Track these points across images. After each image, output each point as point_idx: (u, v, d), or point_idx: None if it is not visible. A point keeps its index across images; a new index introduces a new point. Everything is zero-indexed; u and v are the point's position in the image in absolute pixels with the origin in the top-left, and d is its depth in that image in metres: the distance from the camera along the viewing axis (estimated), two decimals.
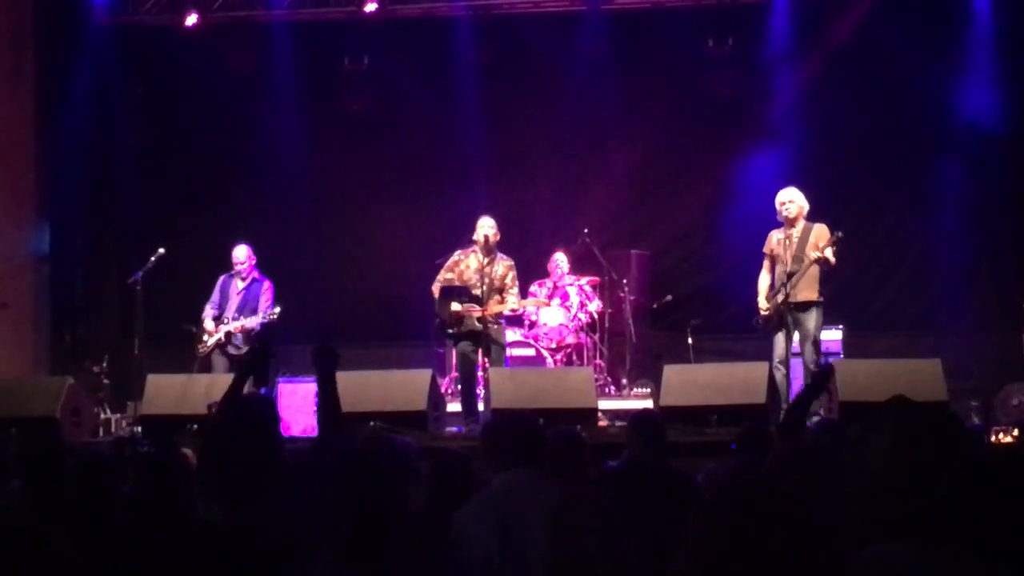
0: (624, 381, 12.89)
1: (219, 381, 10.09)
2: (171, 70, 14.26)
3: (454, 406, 11.33)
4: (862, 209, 13.59)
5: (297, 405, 10.94)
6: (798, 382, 10.65)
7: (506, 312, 11.13)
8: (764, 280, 10.79)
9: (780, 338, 10.57)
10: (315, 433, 5.12)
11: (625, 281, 13.06)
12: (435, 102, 14.20)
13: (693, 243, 14.30)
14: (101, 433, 11.52)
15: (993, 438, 9.37)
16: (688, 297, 13.78)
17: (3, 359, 12.88)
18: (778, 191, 10.86)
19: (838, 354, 11.82)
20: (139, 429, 10.83)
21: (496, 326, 11.07)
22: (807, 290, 10.48)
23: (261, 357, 4.68)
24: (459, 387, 11.31)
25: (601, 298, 13.09)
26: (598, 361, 12.88)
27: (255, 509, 3.34)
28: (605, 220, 14.07)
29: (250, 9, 14.25)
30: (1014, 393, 11.41)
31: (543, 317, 12.65)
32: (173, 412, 10.22)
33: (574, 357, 12.73)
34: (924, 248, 13.51)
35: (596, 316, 12.96)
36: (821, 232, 10.56)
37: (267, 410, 3.85)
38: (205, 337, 11.58)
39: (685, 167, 14.17)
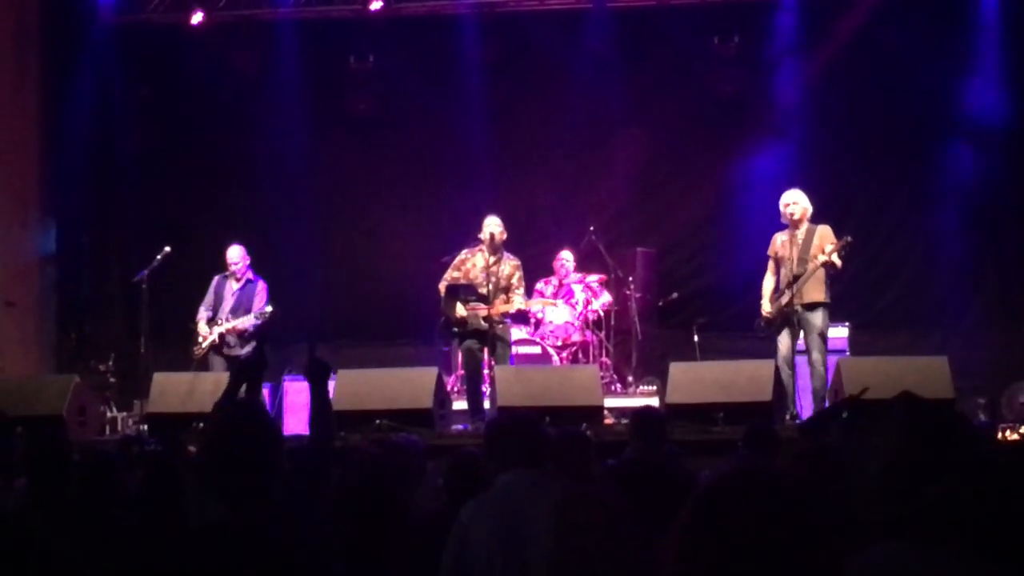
0: (630, 379, 12.88)
1: (225, 379, 10.08)
2: (176, 69, 14.26)
3: (460, 404, 11.33)
4: (867, 207, 13.57)
5: (302, 403, 10.94)
6: (804, 381, 10.64)
7: (512, 311, 11.14)
8: (768, 283, 10.77)
9: (785, 337, 10.56)
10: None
11: (631, 279, 13.05)
12: (440, 100, 14.19)
13: (699, 241, 14.28)
14: (107, 431, 11.55)
15: (1000, 435, 9.36)
16: (694, 295, 13.77)
17: (9, 358, 12.90)
18: (783, 188, 10.85)
19: (844, 351, 11.80)
20: (145, 427, 10.85)
21: (502, 325, 11.07)
22: (814, 291, 10.47)
23: (256, 365, 4.69)
24: (465, 385, 11.31)
25: (608, 292, 13.08)
26: (604, 359, 12.87)
27: (253, 509, 3.33)
28: (611, 218, 14.05)
29: (255, 8, 14.26)
30: (1020, 391, 11.40)
31: (549, 315, 12.65)
32: (179, 410, 10.22)
33: (580, 355, 12.72)
34: (929, 246, 13.48)
35: (602, 314, 12.95)
36: (825, 234, 10.54)
37: (263, 414, 3.85)
38: (200, 340, 11.55)
39: (690, 165, 14.15)
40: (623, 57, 13.86)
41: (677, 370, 10.48)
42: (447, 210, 13.64)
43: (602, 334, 12.98)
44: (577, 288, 12.90)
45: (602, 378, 11.52)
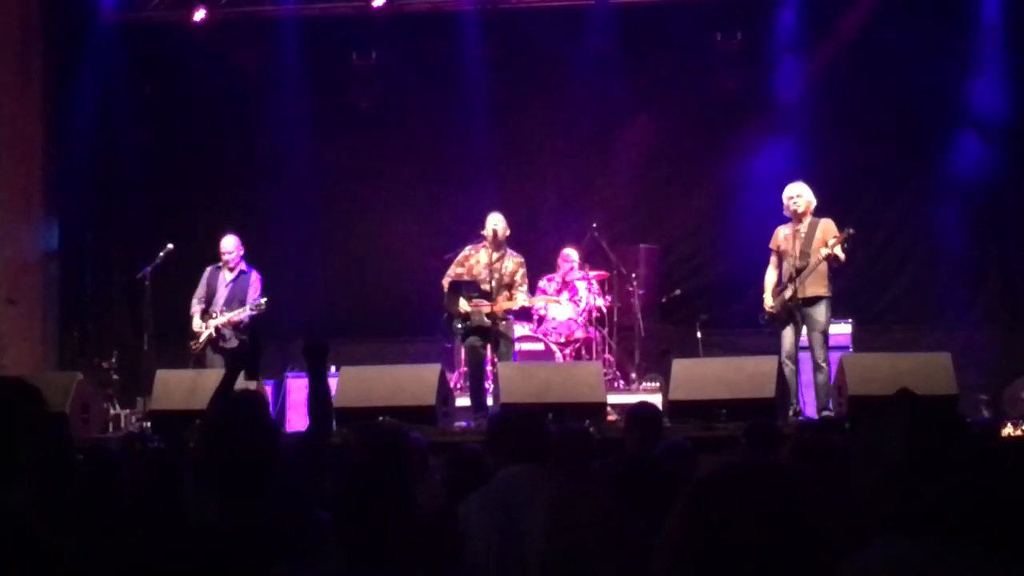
0: (633, 375, 12.89)
1: None
2: (178, 67, 14.25)
3: (463, 400, 11.33)
4: (870, 203, 13.57)
5: (305, 400, 10.92)
6: (806, 376, 10.64)
7: (515, 308, 11.14)
8: (771, 277, 10.78)
9: (788, 333, 10.56)
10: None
11: (634, 276, 13.06)
12: (443, 97, 14.19)
13: (702, 237, 14.29)
14: (110, 429, 11.55)
15: (1003, 432, 9.36)
16: (697, 291, 13.78)
17: (13, 355, 12.90)
18: (786, 185, 10.85)
19: (847, 348, 11.80)
20: (148, 425, 10.85)
21: (505, 322, 11.09)
22: (816, 285, 10.47)
23: (250, 350, 4.67)
24: (468, 382, 11.32)
25: (610, 293, 13.09)
26: (607, 355, 12.87)
27: (250, 507, 3.33)
28: (614, 214, 14.06)
29: (257, 4, 14.26)
30: (1023, 387, 11.40)
31: (552, 311, 12.65)
32: (182, 408, 10.20)
33: (583, 351, 12.72)
34: (932, 243, 13.48)
35: (605, 310, 12.96)
36: (828, 227, 10.54)
37: (259, 407, 3.85)
38: (196, 334, 11.54)
39: (693, 161, 14.15)
40: (625, 54, 13.86)
41: (680, 367, 10.47)
42: (450, 207, 13.65)
43: (605, 330, 12.99)
44: (580, 285, 12.90)
45: (605, 375, 11.51)
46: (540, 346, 12.54)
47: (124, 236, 14.61)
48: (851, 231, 10.45)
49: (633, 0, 14.08)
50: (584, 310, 12.76)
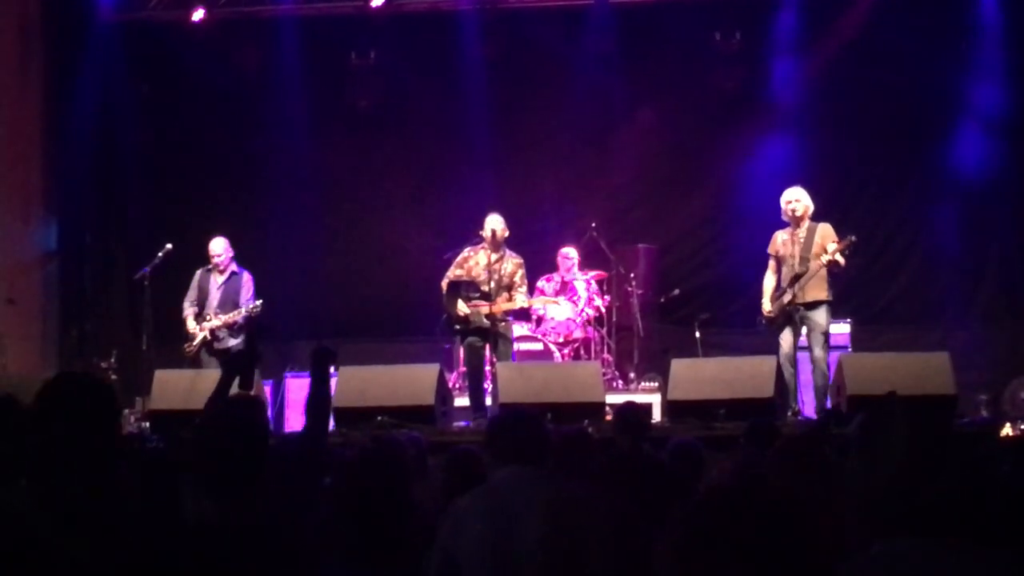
0: (632, 375, 12.88)
1: None
2: (177, 66, 14.25)
3: (462, 401, 11.34)
4: (869, 203, 13.57)
5: (304, 400, 10.92)
6: (805, 377, 10.65)
7: (515, 309, 11.15)
8: (769, 281, 10.77)
9: (787, 335, 10.56)
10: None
11: (633, 275, 13.06)
12: (442, 97, 14.19)
13: (701, 237, 14.29)
14: None
15: (1002, 432, 9.37)
16: (696, 291, 13.78)
17: (12, 354, 12.89)
18: (785, 184, 10.85)
19: (846, 348, 11.80)
20: (147, 425, 10.85)
21: (504, 323, 11.09)
22: (816, 289, 10.46)
23: (247, 361, 4.67)
24: (467, 381, 11.32)
25: (608, 292, 13.08)
26: (606, 355, 12.87)
27: (245, 507, 3.33)
28: (613, 214, 14.05)
29: (256, 4, 14.26)
30: (1022, 387, 11.40)
31: (550, 311, 12.65)
32: (181, 407, 10.19)
33: (582, 351, 12.72)
34: (931, 242, 13.47)
35: (603, 310, 12.95)
36: (826, 232, 10.53)
37: (256, 409, 3.85)
38: (191, 337, 11.53)
39: (693, 161, 14.15)
40: (624, 54, 13.85)
41: (679, 366, 10.48)
42: (449, 207, 13.63)
43: (604, 331, 12.99)
44: (579, 285, 12.90)
45: (604, 375, 11.52)
46: (539, 346, 12.54)
47: (123, 236, 14.61)
48: (853, 238, 10.44)
49: (632, 0, 14.08)
50: (583, 310, 12.76)
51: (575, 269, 12.95)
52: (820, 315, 10.46)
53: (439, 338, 12.27)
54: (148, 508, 2.97)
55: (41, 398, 3.21)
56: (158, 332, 12.01)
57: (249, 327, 11.08)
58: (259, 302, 11.37)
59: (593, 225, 13.06)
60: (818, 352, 10.42)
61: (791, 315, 10.51)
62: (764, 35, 13.66)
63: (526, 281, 11.30)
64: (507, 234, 11.16)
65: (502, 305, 10.94)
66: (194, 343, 11.46)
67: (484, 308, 10.89)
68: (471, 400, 11.01)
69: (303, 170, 14.26)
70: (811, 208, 10.66)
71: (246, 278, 11.63)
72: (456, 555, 4.03)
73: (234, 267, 11.67)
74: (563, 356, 12.48)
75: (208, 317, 11.46)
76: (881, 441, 2.38)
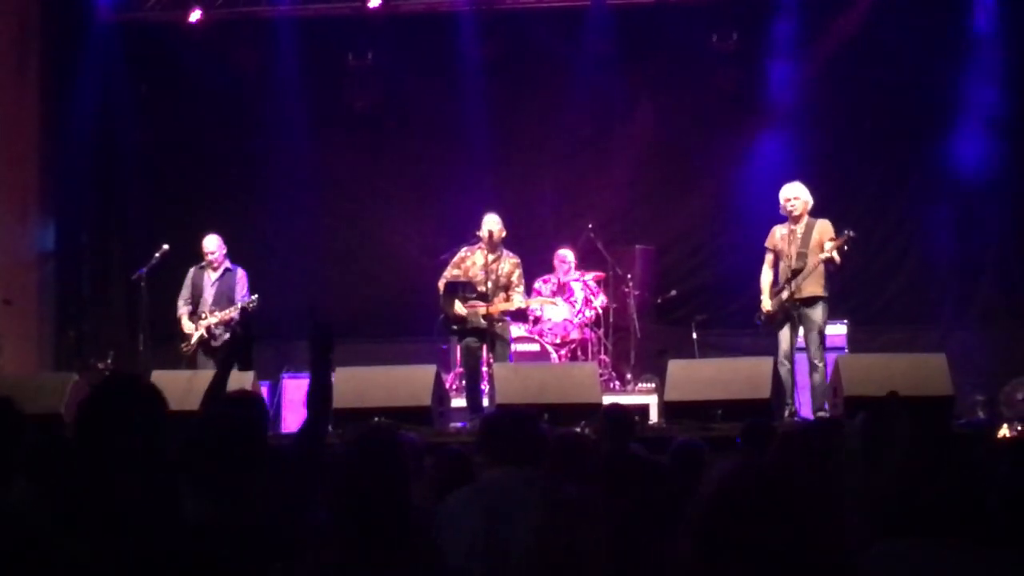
0: (628, 376, 12.87)
1: None
2: (175, 67, 14.24)
3: (459, 401, 11.34)
4: (867, 203, 13.56)
5: (302, 400, 10.90)
6: (803, 376, 10.65)
7: (512, 310, 11.15)
8: (767, 276, 10.78)
9: (785, 333, 10.57)
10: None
11: (629, 276, 13.05)
12: (439, 98, 14.19)
13: (698, 238, 14.29)
14: None
15: (999, 433, 9.37)
16: (693, 292, 13.78)
17: (8, 355, 12.88)
18: (782, 185, 10.86)
19: (843, 349, 11.81)
20: None
21: (501, 323, 11.09)
22: (813, 286, 10.48)
23: (243, 340, 4.59)
24: (464, 382, 11.32)
25: (605, 293, 13.08)
26: (602, 356, 12.87)
27: (245, 507, 3.33)
28: (610, 215, 14.04)
29: (253, 5, 14.25)
30: (1019, 388, 11.40)
31: (547, 312, 12.65)
32: (178, 408, 10.09)
33: (579, 352, 12.72)
34: (929, 242, 13.47)
35: (600, 311, 12.95)
36: (825, 228, 10.54)
37: (254, 407, 3.81)
38: (187, 336, 11.50)
39: (690, 162, 14.15)
40: (622, 54, 13.85)
41: (676, 367, 10.49)
42: (446, 207, 13.64)
43: (601, 331, 12.99)
44: (576, 286, 12.90)
45: (601, 375, 11.53)
46: (536, 347, 12.54)
47: (121, 236, 14.60)
48: (850, 233, 10.45)
49: (629, 1, 14.09)
50: (580, 311, 12.76)
51: (572, 270, 12.95)
52: (817, 312, 10.47)
53: (436, 339, 12.27)
54: (148, 508, 2.96)
55: (88, 403, 3.14)
56: (155, 332, 12.01)
57: (244, 320, 11.07)
58: (255, 297, 11.38)
59: (590, 226, 13.05)
60: (815, 352, 10.43)
61: (789, 312, 10.52)
62: (761, 36, 13.65)
63: (523, 281, 11.30)
64: (504, 234, 11.16)
65: (499, 306, 10.94)
66: (191, 342, 11.46)
67: (481, 309, 10.90)
68: (468, 401, 11.01)
69: (300, 170, 14.26)
70: (810, 204, 10.67)
71: (240, 274, 11.65)
72: (447, 551, 4.03)
73: (228, 264, 11.68)
74: (560, 357, 12.49)
75: (203, 315, 11.46)
76: (886, 442, 2.39)
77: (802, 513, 1.87)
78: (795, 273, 10.49)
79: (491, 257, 11.05)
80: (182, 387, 10.48)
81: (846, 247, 10.41)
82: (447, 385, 11.45)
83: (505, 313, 11.11)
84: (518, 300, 11.08)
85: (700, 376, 10.36)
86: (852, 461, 2.44)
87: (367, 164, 14.46)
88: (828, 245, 10.36)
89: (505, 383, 10.23)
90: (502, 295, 11.02)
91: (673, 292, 13.48)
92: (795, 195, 10.64)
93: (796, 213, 10.59)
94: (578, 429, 8.84)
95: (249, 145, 14.33)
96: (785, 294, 10.52)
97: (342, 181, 14.54)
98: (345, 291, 14.16)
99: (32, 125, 13.74)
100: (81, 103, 14.01)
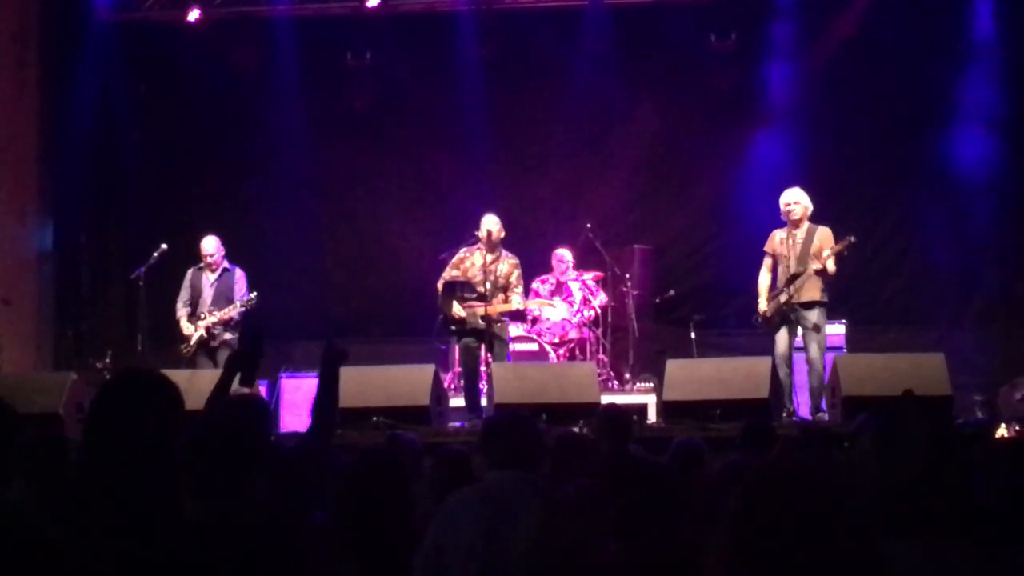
0: (627, 376, 12.88)
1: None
2: (174, 66, 14.24)
3: (457, 401, 11.33)
4: (866, 203, 13.58)
5: (300, 401, 10.92)
6: (801, 377, 10.65)
7: (511, 311, 11.15)
8: (764, 279, 10.78)
9: (782, 335, 10.57)
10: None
11: (628, 276, 13.05)
12: (438, 97, 14.19)
13: (696, 238, 14.29)
14: None
15: (997, 433, 9.36)
16: (691, 292, 13.78)
17: (7, 355, 12.88)
18: (781, 185, 10.86)
19: (841, 348, 11.81)
20: None
21: (499, 324, 11.09)
22: (812, 290, 10.48)
23: (250, 356, 4.60)
24: (462, 382, 11.31)
25: (604, 293, 13.08)
26: (601, 356, 12.87)
27: (245, 507, 3.33)
28: (608, 215, 14.04)
29: (252, 4, 14.26)
30: (1018, 388, 11.40)
31: (546, 312, 12.66)
32: None
33: (577, 352, 12.72)
34: (927, 243, 13.48)
35: (599, 311, 12.95)
36: (825, 236, 10.54)
37: (256, 409, 3.82)
38: (186, 338, 11.49)
39: (688, 162, 14.15)
40: (620, 55, 13.86)
41: (674, 367, 10.48)
42: (445, 207, 13.65)
43: (599, 331, 12.99)
44: (575, 286, 12.90)
45: (599, 375, 11.53)
46: (534, 347, 12.54)
47: (119, 236, 14.60)
48: (852, 239, 10.45)
49: (628, 1, 14.09)
50: (578, 311, 12.76)
51: (570, 270, 12.95)
52: (815, 316, 10.47)
53: (435, 339, 12.27)
54: (148, 508, 2.96)
55: (102, 397, 3.14)
56: (153, 332, 12.00)
57: (246, 322, 11.06)
58: (254, 294, 11.38)
59: (588, 226, 13.05)
60: (814, 353, 10.44)
61: (787, 315, 10.52)
62: (760, 36, 13.66)
63: (522, 281, 11.30)
64: (503, 234, 11.16)
65: (498, 307, 10.94)
66: (191, 343, 11.45)
67: (480, 309, 10.90)
68: (466, 401, 11.00)
69: (299, 170, 14.26)
70: (810, 209, 10.67)
71: (239, 274, 11.66)
72: (446, 550, 4.03)
73: (226, 264, 11.69)
74: (558, 357, 12.49)
75: (202, 315, 11.46)
76: (901, 441, 2.38)
77: (834, 518, 1.87)
78: (794, 278, 10.49)
79: (490, 257, 11.05)
80: (181, 386, 10.45)
81: (846, 252, 10.41)
82: (445, 385, 11.45)
83: (504, 314, 11.12)
84: (517, 301, 11.08)
85: (698, 376, 10.36)
86: (864, 462, 2.43)
87: (366, 164, 14.47)
88: (826, 253, 10.36)
89: (503, 383, 10.23)
90: (501, 296, 11.02)
91: (671, 292, 13.48)
92: (795, 200, 10.63)
93: (795, 218, 10.59)
94: (576, 429, 8.87)
95: (248, 145, 14.33)
96: (783, 298, 10.52)
97: (341, 181, 14.54)
98: (343, 291, 14.17)
99: (31, 125, 13.73)
100: (80, 103, 14.00)
